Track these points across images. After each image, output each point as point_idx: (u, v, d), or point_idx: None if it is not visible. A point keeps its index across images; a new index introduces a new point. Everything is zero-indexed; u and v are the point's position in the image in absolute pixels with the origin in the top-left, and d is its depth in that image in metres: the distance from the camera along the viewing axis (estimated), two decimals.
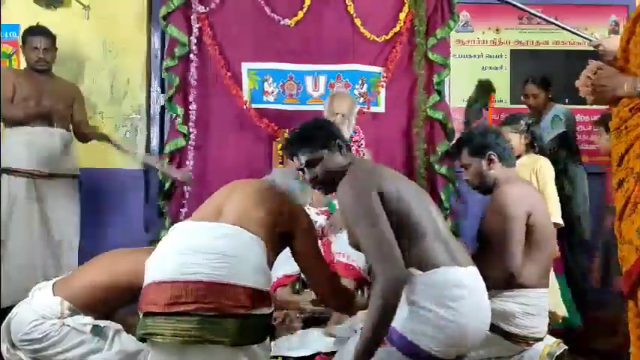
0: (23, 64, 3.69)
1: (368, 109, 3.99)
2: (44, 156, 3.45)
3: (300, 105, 4.01)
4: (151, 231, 3.99)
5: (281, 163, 3.83)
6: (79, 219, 3.62)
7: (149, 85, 4.19)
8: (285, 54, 3.98)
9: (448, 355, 1.81)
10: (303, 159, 2.08)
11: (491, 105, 4.10)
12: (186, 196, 3.85)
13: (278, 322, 2.51)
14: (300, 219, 2.08)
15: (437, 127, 4.02)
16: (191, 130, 3.89)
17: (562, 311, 3.04)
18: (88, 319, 2.14)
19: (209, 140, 3.95)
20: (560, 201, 3.48)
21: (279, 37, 3.96)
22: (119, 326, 2.19)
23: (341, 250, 2.93)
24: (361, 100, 3.98)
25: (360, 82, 4.03)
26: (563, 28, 2.47)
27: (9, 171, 3.38)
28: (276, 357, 2.35)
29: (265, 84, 4.00)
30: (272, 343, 2.30)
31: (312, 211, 3.07)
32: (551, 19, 2.60)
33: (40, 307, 2.13)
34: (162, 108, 4.13)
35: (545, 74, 3.99)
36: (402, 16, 3.99)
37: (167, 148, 3.90)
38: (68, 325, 2.11)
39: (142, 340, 1.86)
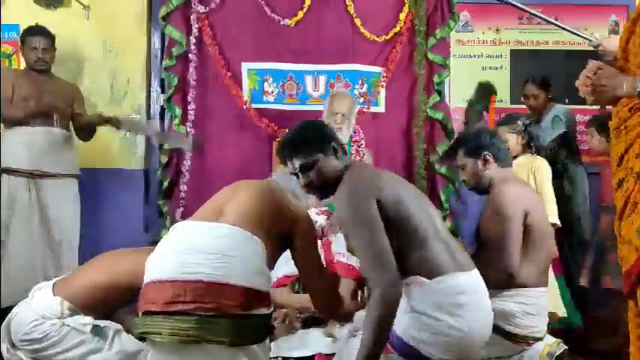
0: (23, 64, 3.69)
1: (368, 109, 3.99)
2: (44, 156, 3.45)
3: (300, 105, 4.01)
4: (150, 231, 4.00)
5: (281, 163, 3.83)
6: (79, 219, 3.62)
7: (149, 85, 4.19)
8: (285, 54, 3.98)
9: None
10: (297, 163, 2.01)
11: (491, 107, 4.10)
12: (182, 195, 3.85)
13: (278, 322, 2.50)
14: (301, 222, 2.06)
15: (437, 127, 4.02)
16: (189, 130, 3.89)
17: (561, 311, 3.04)
18: (88, 319, 2.14)
19: (209, 140, 3.95)
20: (561, 201, 3.49)
21: (279, 37, 3.96)
22: (119, 326, 2.19)
23: (341, 250, 2.92)
24: (361, 100, 3.98)
25: (360, 82, 4.03)
26: (563, 29, 2.47)
27: (9, 171, 3.39)
28: (276, 357, 2.34)
29: (265, 84, 4.00)
30: (272, 343, 2.29)
31: (312, 211, 3.05)
32: (551, 19, 2.60)
33: (40, 307, 2.13)
34: (162, 108, 4.13)
35: (545, 74, 3.99)
36: (402, 16, 3.99)
37: (164, 147, 3.91)
38: (68, 325, 2.11)
39: (141, 339, 1.86)
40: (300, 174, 2.02)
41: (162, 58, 4.06)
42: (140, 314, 1.84)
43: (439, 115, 3.99)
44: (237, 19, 3.96)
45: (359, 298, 2.41)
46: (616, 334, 3.02)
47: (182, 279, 1.79)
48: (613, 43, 1.98)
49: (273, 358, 2.27)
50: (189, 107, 3.89)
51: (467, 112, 4.35)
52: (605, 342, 3.11)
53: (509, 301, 2.24)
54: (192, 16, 3.89)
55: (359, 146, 3.63)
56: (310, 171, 1.99)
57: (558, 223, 3.22)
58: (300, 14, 3.94)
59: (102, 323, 2.16)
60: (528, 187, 2.55)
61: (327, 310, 2.24)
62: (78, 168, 3.65)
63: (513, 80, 4.45)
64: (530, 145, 3.33)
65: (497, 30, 4.54)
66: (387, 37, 4.00)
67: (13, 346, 2.15)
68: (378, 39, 3.98)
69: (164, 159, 3.89)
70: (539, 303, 2.31)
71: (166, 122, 4.14)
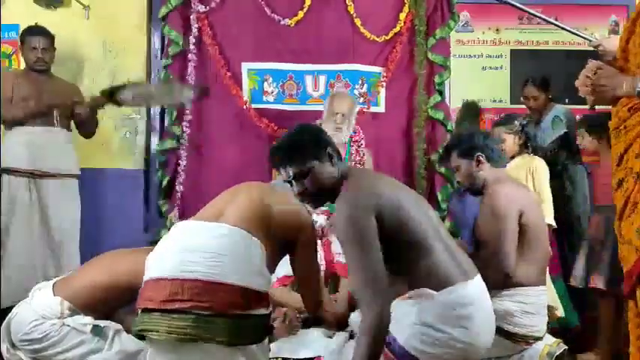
0: (23, 64, 3.70)
1: (368, 109, 3.99)
2: (44, 156, 3.45)
3: (300, 105, 4.01)
4: (150, 231, 3.99)
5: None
6: (79, 219, 3.62)
7: None
8: (285, 54, 3.98)
9: None
10: (290, 171, 1.91)
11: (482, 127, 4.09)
12: (180, 195, 3.85)
13: (278, 322, 2.50)
14: (303, 231, 2.04)
15: (437, 127, 4.01)
16: (185, 129, 3.88)
17: (560, 311, 3.05)
18: (88, 319, 2.15)
19: (209, 140, 3.95)
20: (561, 201, 3.49)
21: (279, 37, 3.95)
22: (119, 326, 2.19)
23: (341, 250, 2.92)
24: (361, 100, 3.98)
25: (360, 82, 4.03)
26: (563, 29, 2.46)
27: (9, 171, 3.39)
28: (277, 358, 2.34)
29: (265, 84, 4.00)
30: (272, 344, 2.29)
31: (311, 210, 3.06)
32: (551, 20, 2.60)
33: (40, 307, 2.13)
34: (162, 108, 4.13)
35: (545, 74, 3.99)
36: (402, 16, 3.99)
37: (157, 147, 3.92)
38: (68, 325, 2.12)
39: (139, 337, 1.87)
40: (293, 182, 1.92)
41: (162, 58, 4.05)
42: (139, 312, 1.85)
43: (440, 115, 3.99)
44: (237, 19, 3.95)
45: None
46: (615, 334, 3.03)
47: (180, 277, 1.80)
48: (613, 43, 1.98)
49: (274, 358, 2.27)
50: (185, 107, 3.88)
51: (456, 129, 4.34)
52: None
53: (508, 301, 2.24)
54: (192, 16, 3.88)
55: (359, 146, 3.64)
56: (305, 179, 1.90)
57: (554, 224, 3.23)
58: (300, 14, 3.93)
59: (102, 323, 2.16)
60: (523, 186, 2.55)
61: (315, 315, 2.21)
62: (78, 168, 3.65)
63: (513, 80, 4.46)
64: (528, 146, 3.34)
65: (497, 30, 4.54)
66: (387, 37, 3.99)
67: (13, 346, 2.15)
68: (378, 39, 3.97)
69: (161, 158, 3.88)
70: (539, 302, 2.31)
71: (167, 122, 4.13)
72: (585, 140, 3.21)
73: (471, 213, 2.97)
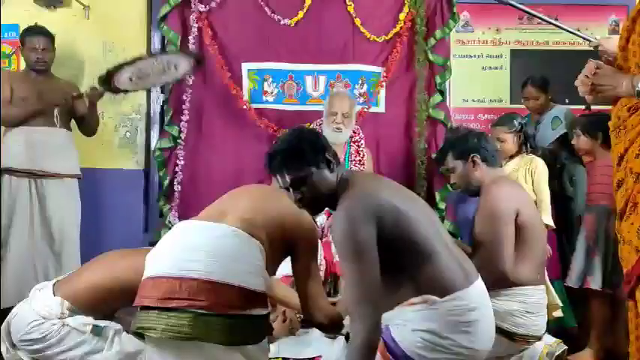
0: (23, 64, 3.70)
1: (368, 109, 3.99)
2: (45, 156, 3.46)
3: (300, 105, 4.01)
4: (150, 231, 4.00)
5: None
6: (79, 219, 3.62)
7: None
8: (285, 54, 3.98)
9: None
10: (287, 178, 1.83)
11: None
12: (180, 196, 3.85)
13: (277, 322, 2.50)
14: (303, 234, 2.03)
15: (438, 127, 4.01)
16: (183, 129, 3.88)
17: (557, 312, 3.05)
18: (89, 319, 2.14)
19: (208, 140, 3.95)
20: (561, 201, 3.49)
21: (279, 37, 3.95)
22: (119, 326, 2.19)
23: None
24: (361, 100, 3.98)
25: (360, 82, 4.03)
26: (563, 29, 2.46)
27: (10, 171, 3.39)
28: (276, 358, 2.34)
29: (265, 84, 4.00)
30: (271, 344, 2.29)
31: None
32: (551, 20, 2.59)
33: (40, 307, 2.13)
34: (162, 108, 4.13)
35: (546, 74, 3.99)
36: (402, 16, 3.99)
37: (157, 147, 3.91)
38: (68, 325, 2.11)
39: (137, 334, 1.87)
40: (291, 189, 1.85)
41: None
42: (138, 309, 1.85)
43: (441, 115, 3.99)
44: (237, 19, 3.95)
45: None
46: (614, 334, 3.03)
47: (178, 275, 1.80)
48: (613, 43, 1.98)
49: (274, 358, 2.27)
50: (183, 106, 3.88)
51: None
52: (604, 342, 3.10)
53: (509, 300, 2.24)
54: (191, 16, 3.88)
55: (359, 146, 3.64)
56: (302, 186, 1.83)
57: (552, 224, 3.23)
58: (300, 14, 3.93)
59: (102, 323, 2.16)
60: (518, 186, 2.55)
61: (315, 323, 2.16)
62: (79, 168, 3.65)
63: (513, 80, 4.45)
64: (527, 145, 3.33)
65: (497, 30, 4.54)
66: (387, 37, 3.99)
67: (13, 346, 2.15)
68: (378, 39, 3.97)
69: (160, 158, 3.88)
70: (539, 300, 2.31)
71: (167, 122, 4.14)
72: (580, 140, 3.21)
73: (471, 213, 2.96)
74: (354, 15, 3.95)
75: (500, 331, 2.17)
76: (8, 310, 2.25)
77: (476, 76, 4.49)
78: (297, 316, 2.54)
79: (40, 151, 3.44)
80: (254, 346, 1.85)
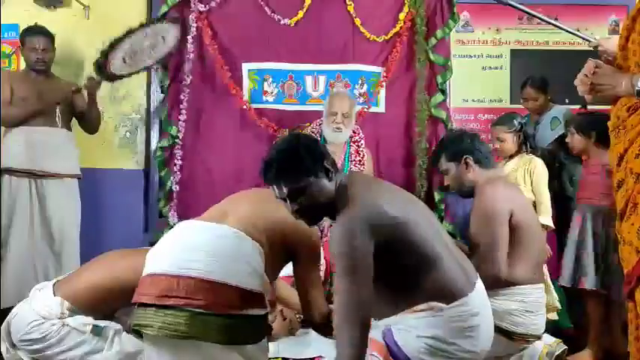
0: (23, 64, 3.70)
1: (368, 109, 3.99)
2: (45, 156, 3.45)
3: (300, 105, 4.01)
4: (150, 231, 4.00)
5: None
6: (79, 219, 3.62)
7: (149, 85, 4.19)
8: (285, 54, 3.97)
9: None
10: (284, 189, 1.77)
11: None
12: (175, 195, 3.84)
13: (277, 323, 2.50)
14: (305, 241, 2.02)
15: (439, 127, 4.01)
16: (181, 129, 3.87)
17: (553, 314, 3.06)
18: (89, 319, 2.15)
19: (208, 140, 3.94)
20: (561, 201, 3.48)
21: (279, 37, 3.95)
22: (119, 326, 2.19)
23: None
24: (361, 100, 3.98)
25: (360, 82, 4.03)
26: (563, 29, 2.46)
27: (10, 171, 3.39)
28: (276, 358, 2.35)
29: (265, 84, 4.00)
30: (271, 343, 2.29)
31: None
32: (551, 20, 2.59)
33: (40, 307, 2.13)
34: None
35: (545, 74, 3.98)
36: (402, 16, 3.98)
37: (157, 146, 3.91)
38: (68, 325, 2.12)
39: (135, 331, 1.87)
40: (288, 199, 1.79)
41: None
42: (136, 306, 1.86)
43: (443, 115, 3.99)
44: (237, 19, 3.95)
45: None
46: (613, 334, 3.03)
47: (176, 274, 1.81)
48: (612, 43, 1.98)
49: (274, 358, 2.27)
50: (181, 106, 3.87)
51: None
52: (603, 342, 3.10)
53: (507, 300, 2.24)
54: (190, 16, 3.88)
55: (359, 146, 3.64)
56: (300, 197, 1.76)
57: (551, 224, 3.22)
58: (300, 14, 3.93)
59: (102, 323, 2.16)
60: (513, 186, 2.55)
61: (315, 325, 2.16)
62: (79, 168, 3.64)
63: (513, 80, 4.45)
64: (527, 145, 3.33)
65: (497, 30, 4.54)
66: (387, 37, 3.99)
67: (13, 346, 2.15)
68: (377, 39, 3.97)
69: (160, 158, 3.87)
70: (537, 300, 2.31)
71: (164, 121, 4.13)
72: (574, 138, 3.21)
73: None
74: (354, 15, 3.95)
75: (498, 330, 2.17)
76: (8, 310, 2.25)
77: (476, 76, 4.50)
78: (297, 316, 2.54)
79: (40, 151, 3.44)
80: (252, 346, 1.85)
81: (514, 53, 4.54)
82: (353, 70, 4.01)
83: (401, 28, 3.99)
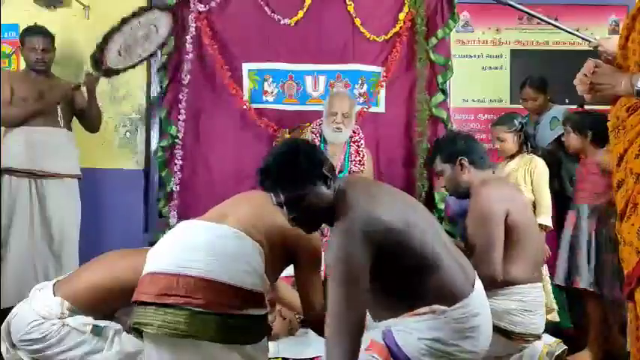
0: (23, 64, 3.70)
1: (368, 109, 3.99)
2: (45, 156, 3.45)
3: (300, 105, 4.01)
4: (150, 231, 4.00)
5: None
6: (79, 219, 3.62)
7: (149, 85, 4.19)
8: (285, 54, 3.98)
9: None
10: (282, 197, 1.74)
11: None
12: (175, 195, 3.84)
13: (277, 323, 2.50)
14: (306, 245, 2.01)
15: (440, 127, 4.01)
16: (180, 129, 3.87)
17: (552, 315, 3.06)
18: (89, 319, 2.15)
19: (208, 140, 3.95)
20: (561, 201, 3.48)
21: (279, 37, 3.95)
22: (119, 326, 2.19)
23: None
24: (361, 100, 3.98)
25: (360, 82, 4.03)
26: (563, 29, 2.46)
27: (10, 171, 3.39)
28: (276, 358, 2.35)
29: (265, 84, 4.00)
30: (271, 343, 2.29)
31: None
32: (551, 20, 2.59)
33: (40, 307, 2.13)
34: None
35: (545, 74, 3.98)
36: (402, 16, 3.99)
37: (158, 145, 3.91)
38: (68, 325, 2.12)
39: (135, 330, 1.88)
40: (285, 207, 1.76)
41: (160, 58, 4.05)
42: (135, 305, 1.86)
43: (443, 114, 3.99)
44: (237, 19, 3.95)
45: None
46: (612, 334, 3.04)
47: (176, 272, 1.82)
48: (612, 43, 1.98)
49: (274, 358, 2.28)
50: (180, 106, 3.87)
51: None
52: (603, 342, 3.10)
53: (506, 299, 2.24)
54: (190, 16, 3.88)
55: (359, 146, 3.63)
56: (298, 205, 1.74)
57: (550, 224, 3.22)
58: (300, 14, 3.93)
59: (102, 323, 2.16)
60: (510, 186, 2.55)
61: (314, 325, 2.17)
62: (79, 168, 3.64)
63: (513, 80, 4.45)
64: (527, 145, 3.33)
65: (497, 30, 4.54)
66: (387, 37, 3.99)
67: (13, 346, 2.15)
68: (377, 39, 3.97)
69: (160, 158, 3.88)
70: (536, 299, 2.31)
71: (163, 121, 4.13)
72: (570, 137, 3.21)
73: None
74: (354, 15, 3.95)
75: (497, 329, 2.17)
76: (8, 310, 2.25)
77: (476, 76, 4.50)
78: (297, 316, 2.54)
79: (40, 151, 3.44)
80: (252, 346, 1.86)
81: (514, 53, 4.54)
82: (353, 70, 4.01)
83: (401, 28, 3.99)
